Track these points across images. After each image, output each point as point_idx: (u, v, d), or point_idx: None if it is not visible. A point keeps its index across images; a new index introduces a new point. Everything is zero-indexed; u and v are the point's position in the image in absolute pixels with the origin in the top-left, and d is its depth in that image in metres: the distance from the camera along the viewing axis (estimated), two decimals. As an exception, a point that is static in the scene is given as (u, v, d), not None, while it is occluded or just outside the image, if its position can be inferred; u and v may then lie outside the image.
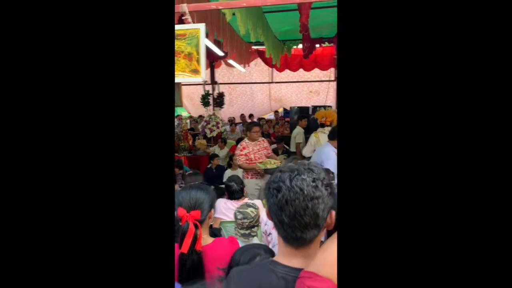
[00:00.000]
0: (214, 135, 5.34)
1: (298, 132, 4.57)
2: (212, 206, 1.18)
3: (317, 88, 7.77)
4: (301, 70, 6.68)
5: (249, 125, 3.61)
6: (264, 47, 4.65)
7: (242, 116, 7.13)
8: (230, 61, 4.58)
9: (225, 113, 7.09)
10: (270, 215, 0.73)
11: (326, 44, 5.65)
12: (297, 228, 0.67)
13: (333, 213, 0.71)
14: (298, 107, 6.82)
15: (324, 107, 5.32)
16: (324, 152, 2.78)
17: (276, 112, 7.94)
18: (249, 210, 1.61)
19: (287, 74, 7.22)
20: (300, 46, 5.19)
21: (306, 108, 6.66)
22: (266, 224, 1.68)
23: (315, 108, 5.99)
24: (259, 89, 7.90)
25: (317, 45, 5.46)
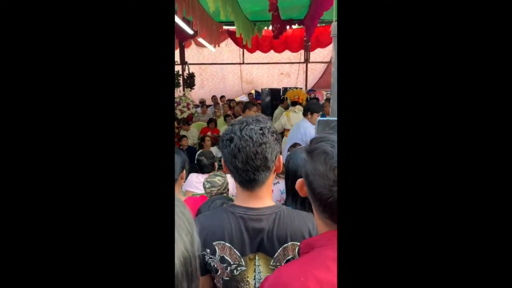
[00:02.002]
0: (185, 116, 5.31)
1: (279, 113, 4.69)
2: (183, 167, 1.24)
3: (288, 70, 7.86)
4: (272, 51, 6.72)
5: (248, 104, 3.74)
6: (234, 27, 4.63)
7: (214, 97, 7.08)
8: (200, 40, 4.52)
9: (195, 95, 7.03)
10: (226, 164, 0.81)
11: (296, 26, 5.72)
12: (250, 171, 0.76)
13: (280, 157, 0.82)
14: (269, 89, 6.88)
15: (295, 89, 5.43)
16: (303, 127, 2.90)
17: (249, 94, 7.96)
18: (216, 179, 1.68)
19: (258, 56, 7.22)
20: (271, 27, 5.22)
21: (278, 90, 6.73)
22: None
23: (285, 90, 6.09)
24: (230, 70, 7.85)
25: (287, 27, 5.50)
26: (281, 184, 1.71)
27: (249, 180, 0.78)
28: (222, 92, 7.60)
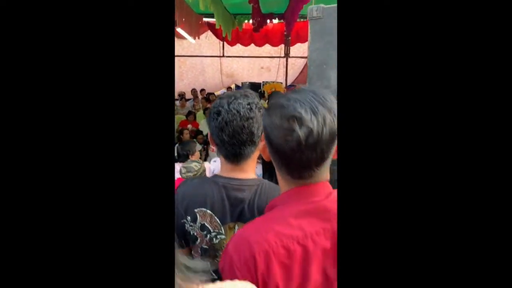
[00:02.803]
0: (164, 108, 5.22)
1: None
2: None
3: (268, 65, 7.89)
4: (252, 45, 6.72)
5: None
6: (214, 19, 4.60)
7: (194, 90, 7.02)
8: (179, 30, 4.46)
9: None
10: (212, 137, 0.82)
11: (277, 20, 5.75)
12: (236, 145, 0.78)
13: None
14: (250, 82, 6.89)
15: (273, 83, 5.48)
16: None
17: (229, 88, 7.94)
18: (193, 164, 1.70)
19: (238, 49, 7.21)
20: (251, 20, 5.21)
21: (258, 84, 6.76)
22: (213, 171, 1.78)
23: (266, 84, 6.13)
24: (210, 63, 7.79)
25: (268, 21, 5.52)
26: (258, 169, 1.75)
27: (235, 154, 0.79)
28: (201, 85, 7.53)
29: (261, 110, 0.80)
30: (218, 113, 0.78)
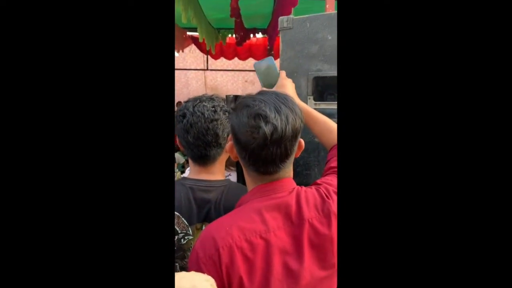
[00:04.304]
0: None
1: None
2: None
3: (252, 78, 8.01)
4: (236, 59, 6.82)
5: None
6: (198, 33, 4.67)
7: (179, 103, 7.03)
8: (163, 44, 4.49)
9: (159, 100, 6.88)
10: (179, 139, 0.84)
11: (260, 34, 5.87)
12: (201, 147, 0.80)
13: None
14: (234, 95, 6.94)
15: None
16: None
17: (212, 101, 7.97)
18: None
19: (222, 63, 7.31)
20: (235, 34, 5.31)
21: (242, 97, 6.82)
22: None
23: (249, 96, 6.18)
24: (194, 76, 7.86)
25: (251, 35, 5.64)
26: (233, 177, 1.76)
27: (201, 156, 0.81)
28: (185, 98, 7.47)
29: (226, 112, 0.83)
30: (184, 115, 0.81)
